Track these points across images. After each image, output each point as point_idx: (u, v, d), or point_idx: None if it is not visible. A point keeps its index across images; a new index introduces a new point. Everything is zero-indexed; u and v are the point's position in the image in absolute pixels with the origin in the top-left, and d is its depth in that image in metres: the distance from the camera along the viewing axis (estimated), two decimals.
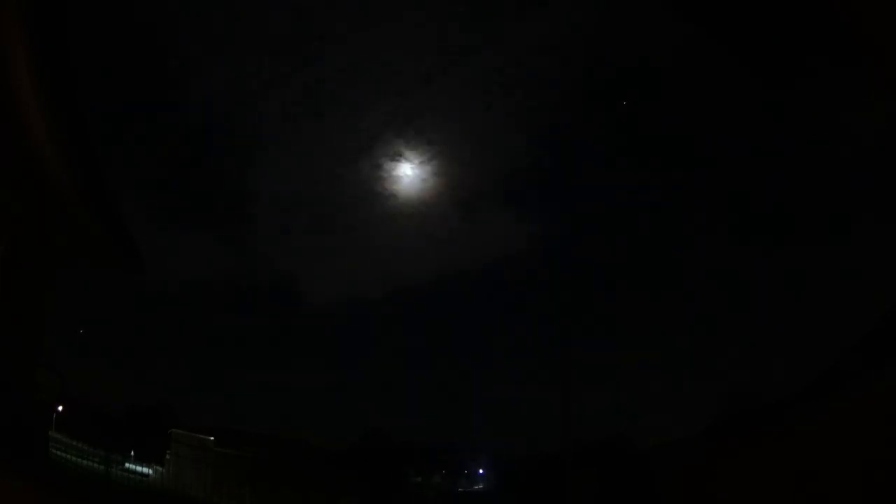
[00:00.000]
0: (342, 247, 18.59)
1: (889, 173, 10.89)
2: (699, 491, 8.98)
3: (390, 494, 14.26)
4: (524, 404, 15.80)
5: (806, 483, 6.79)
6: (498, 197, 18.19)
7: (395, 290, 18.68)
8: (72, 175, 8.43)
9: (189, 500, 12.57)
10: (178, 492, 12.68)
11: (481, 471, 15.05)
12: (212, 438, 13.62)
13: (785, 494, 7.14)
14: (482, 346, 17.74)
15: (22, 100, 7.17)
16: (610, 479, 11.49)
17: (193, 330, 17.51)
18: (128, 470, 12.96)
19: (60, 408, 11.74)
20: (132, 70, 16.11)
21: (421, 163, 16.78)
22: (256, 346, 18.00)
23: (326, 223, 18.69)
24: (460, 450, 15.20)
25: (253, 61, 16.86)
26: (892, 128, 9.08)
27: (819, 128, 13.51)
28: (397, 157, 16.69)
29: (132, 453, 13.18)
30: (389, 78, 16.88)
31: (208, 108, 17.86)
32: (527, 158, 17.80)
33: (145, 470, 13.19)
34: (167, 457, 13.36)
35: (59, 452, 11.20)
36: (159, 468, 13.29)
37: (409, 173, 16.83)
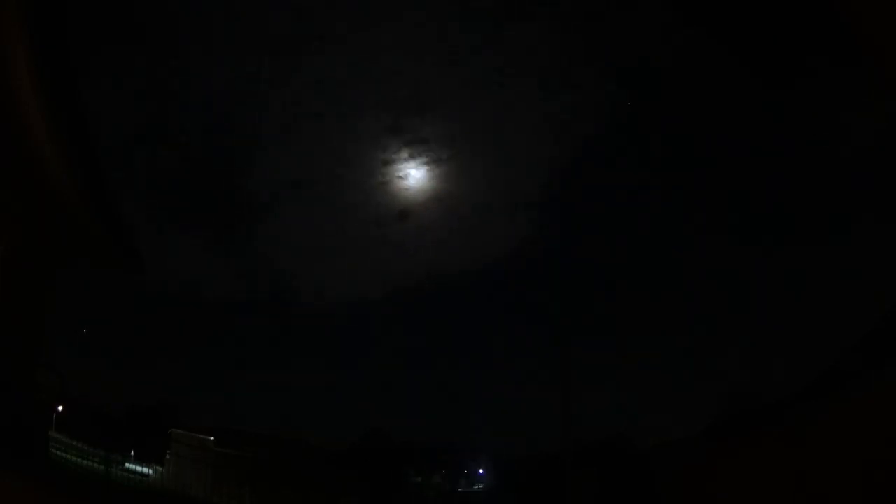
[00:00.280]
0: (342, 247, 18.60)
1: (889, 173, 10.89)
2: (699, 491, 8.98)
3: (390, 494, 14.26)
4: (524, 404, 15.81)
5: (806, 483, 6.79)
6: (498, 198, 18.22)
7: (395, 290, 18.71)
8: (72, 175, 8.42)
9: (189, 500, 12.57)
10: (178, 492, 12.68)
11: (481, 471, 15.05)
12: (212, 438, 13.62)
13: (785, 494, 7.14)
14: (482, 346, 17.76)
15: (22, 100, 7.17)
16: (610, 479, 11.49)
17: (193, 330, 17.54)
18: (128, 470, 12.95)
19: (60, 408, 11.73)
20: (132, 71, 16.13)
21: (422, 164, 16.80)
22: (257, 347, 18.02)
23: (326, 223, 18.71)
24: (460, 450, 15.20)
25: (253, 61, 16.87)
26: (892, 128, 9.09)
27: (819, 128, 13.52)
28: (399, 158, 16.72)
29: (132, 453, 13.18)
30: (389, 79, 16.91)
31: (208, 109, 17.89)
32: (527, 160, 17.84)
33: (145, 470, 13.19)
34: (167, 457, 13.36)
35: (59, 452, 11.19)
36: (159, 468, 13.29)
37: (410, 175, 16.85)
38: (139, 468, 13.15)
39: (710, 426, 11.57)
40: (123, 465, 12.92)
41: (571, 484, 11.11)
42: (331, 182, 17.99)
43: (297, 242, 18.83)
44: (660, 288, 16.75)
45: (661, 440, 12.54)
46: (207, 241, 19.26)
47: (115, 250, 10.81)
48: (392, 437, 14.81)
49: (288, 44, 16.57)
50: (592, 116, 17.08)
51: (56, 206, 8.81)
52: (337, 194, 18.08)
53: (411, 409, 16.84)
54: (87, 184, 8.87)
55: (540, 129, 17.26)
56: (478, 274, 18.57)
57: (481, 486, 14.96)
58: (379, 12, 15.74)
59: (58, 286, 10.49)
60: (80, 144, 8.49)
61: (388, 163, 16.66)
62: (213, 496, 12.76)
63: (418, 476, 15.13)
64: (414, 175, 16.82)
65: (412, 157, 16.58)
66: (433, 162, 16.65)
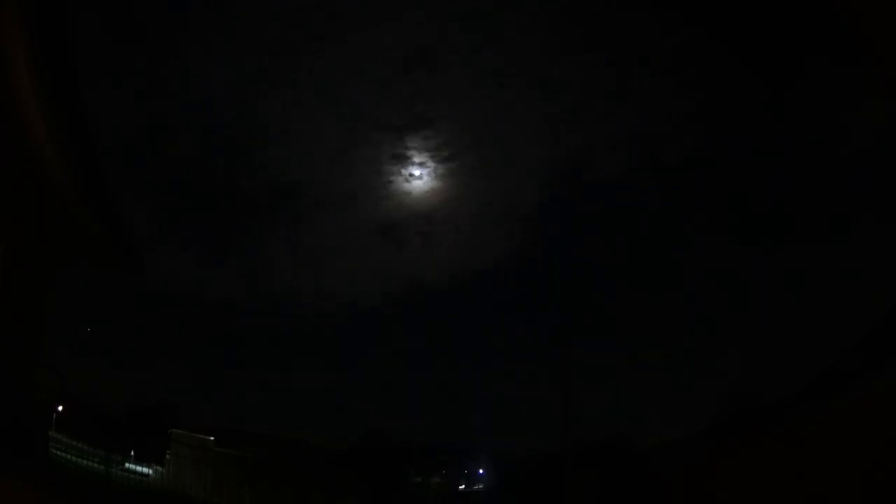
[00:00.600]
0: (342, 248, 18.60)
1: (889, 173, 10.90)
2: (699, 491, 8.98)
3: (390, 494, 14.26)
4: (524, 404, 15.82)
5: (806, 483, 6.79)
6: (499, 198, 18.22)
7: (396, 291, 18.72)
8: (72, 175, 8.41)
9: (189, 500, 12.56)
10: (178, 492, 12.68)
11: (481, 471, 15.05)
12: (212, 438, 13.61)
13: (785, 494, 7.14)
14: (482, 347, 17.77)
15: (22, 100, 7.16)
16: (610, 479, 11.49)
17: (193, 330, 17.54)
18: (128, 470, 12.95)
19: (60, 408, 11.73)
20: (132, 71, 16.12)
21: (423, 165, 16.80)
22: (257, 347, 18.03)
23: (327, 225, 18.71)
24: (460, 450, 15.19)
25: (253, 61, 16.89)
26: (892, 128, 9.09)
27: (819, 128, 13.52)
28: (400, 158, 16.72)
29: (132, 453, 13.18)
30: (390, 79, 16.91)
31: (207, 108, 17.88)
32: (528, 160, 17.84)
33: (145, 470, 13.18)
34: (167, 457, 13.36)
35: (59, 452, 11.19)
36: (159, 468, 13.28)
37: (411, 176, 16.85)
38: (139, 468, 13.14)
39: (710, 426, 11.57)
40: (123, 465, 12.92)
41: (571, 484, 11.10)
42: (332, 183, 18.01)
43: (298, 243, 18.84)
44: (660, 288, 16.75)
45: (661, 440, 12.56)
46: (207, 242, 19.28)
47: (115, 250, 10.79)
48: (392, 437, 14.81)
49: (288, 44, 16.59)
50: (592, 117, 17.08)
51: (56, 206, 8.79)
52: (338, 196, 18.10)
53: (411, 409, 16.87)
54: (87, 184, 8.86)
55: (540, 130, 17.28)
56: (478, 275, 18.59)
57: (481, 486, 14.96)
58: (379, 12, 15.76)
59: (58, 286, 10.48)
60: (80, 144, 8.47)
61: (390, 164, 16.69)
62: (213, 496, 12.76)
63: (418, 476, 15.12)
64: (415, 176, 16.85)
65: (414, 157, 16.60)
66: (435, 162, 16.66)
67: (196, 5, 16.32)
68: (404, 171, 16.80)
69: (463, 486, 15.08)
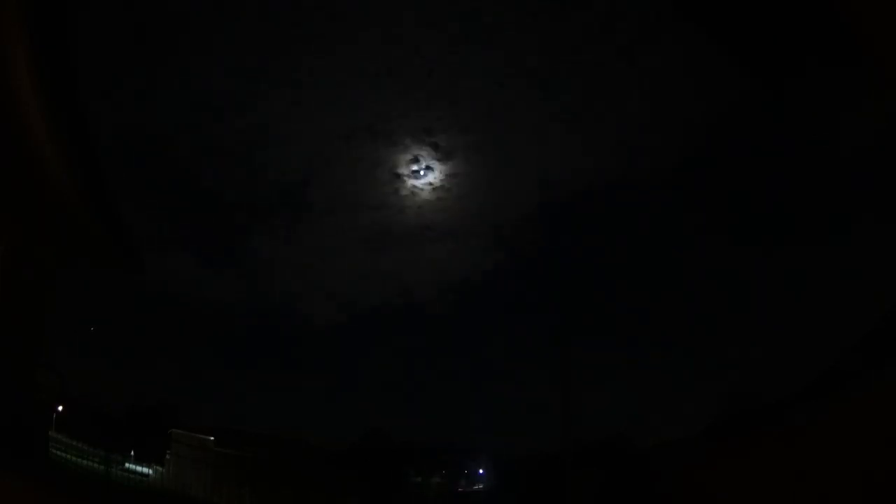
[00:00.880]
0: (343, 249, 18.61)
1: (889, 173, 10.89)
2: (699, 491, 8.97)
3: (390, 494, 14.26)
4: (524, 404, 15.82)
5: (806, 483, 6.79)
6: (499, 198, 18.22)
7: (395, 292, 18.73)
8: (72, 175, 8.41)
9: (189, 500, 12.57)
10: (178, 492, 12.68)
11: (481, 471, 15.05)
12: (212, 438, 13.62)
13: (785, 494, 7.14)
14: (482, 346, 17.76)
15: (22, 100, 7.16)
16: (610, 479, 11.49)
17: (194, 330, 17.53)
18: (128, 470, 12.95)
19: (60, 408, 11.73)
20: (131, 72, 16.12)
21: (424, 166, 16.81)
22: (257, 347, 18.04)
23: (328, 225, 18.71)
24: (460, 450, 15.20)
25: (253, 61, 16.88)
26: (892, 128, 9.09)
27: (819, 128, 13.52)
28: (402, 158, 16.73)
29: (132, 453, 13.17)
30: (391, 79, 16.91)
31: (207, 110, 17.88)
32: (528, 161, 17.83)
33: (145, 470, 13.18)
34: (167, 457, 13.36)
35: (59, 452, 11.19)
36: (159, 468, 13.28)
37: (412, 176, 16.87)
38: (139, 468, 13.14)
39: (710, 426, 11.58)
40: (123, 465, 12.92)
41: (571, 484, 11.10)
42: (333, 184, 18.01)
43: (299, 243, 18.84)
44: (660, 288, 16.76)
45: (661, 440, 12.56)
46: (207, 242, 19.28)
47: (115, 250, 10.80)
48: (392, 437, 14.81)
49: (288, 43, 16.58)
50: (592, 117, 17.08)
51: (56, 206, 8.80)
52: (339, 197, 18.10)
53: (411, 409, 16.87)
54: (87, 184, 8.86)
55: (540, 130, 17.27)
56: (478, 275, 18.59)
57: (481, 486, 14.95)
58: (379, 13, 15.75)
59: (58, 286, 10.48)
60: (80, 144, 8.48)
61: (390, 165, 16.70)
62: (213, 496, 12.76)
63: (418, 476, 15.12)
64: (415, 176, 16.87)
65: (414, 157, 16.62)
66: (434, 162, 16.68)
67: (196, 5, 16.30)
68: (405, 172, 16.83)
69: (462, 487, 15.08)
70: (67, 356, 12.95)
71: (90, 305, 14.31)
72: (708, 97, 15.50)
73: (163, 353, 16.39)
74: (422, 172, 16.72)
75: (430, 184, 16.83)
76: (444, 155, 16.56)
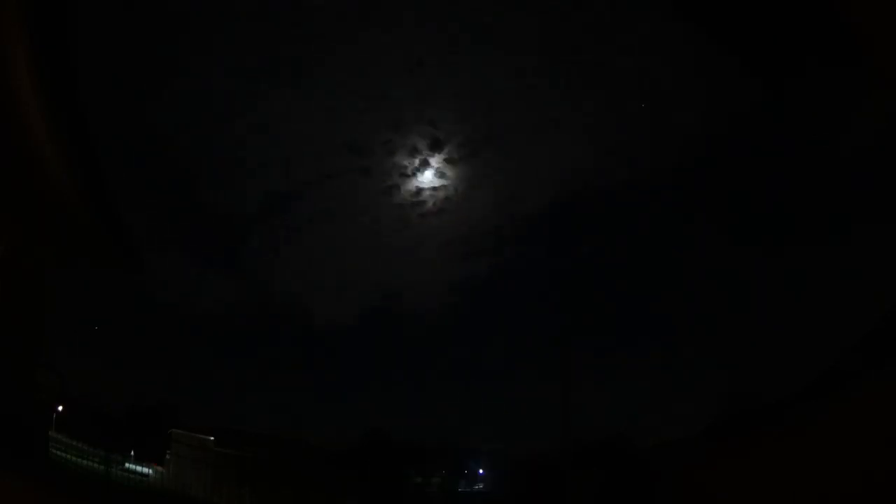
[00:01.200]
0: (343, 250, 18.61)
1: (889, 173, 10.89)
2: (699, 491, 8.97)
3: (390, 494, 14.25)
4: (524, 404, 15.82)
5: (806, 483, 6.79)
6: (500, 198, 18.22)
7: (396, 292, 18.72)
8: (72, 175, 8.42)
9: (189, 500, 12.56)
10: (178, 492, 12.67)
11: (481, 471, 15.05)
12: (212, 438, 13.61)
13: (785, 494, 7.14)
14: (483, 347, 17.76)
15: (22, 100, 7.17)
16: (610, 479, 11.49)
17: (194, 330, 17.53)
18: (128, 470, 12.94)
19: (60, 408, 11.73)
20: (131, 71, 16.11)
21: (425, 166, 16.82)
22: (257, 347, 18.03)
23: (328, 227, 18.71)
24: (460, 450, 15.19)
25: (253, 60, 16.88)
26: (892, 128, 9.09)
27: (819, 128, 13.52)
28: (403, 158, 16.73)
29: (132, 453, 13.17)
30: (392, 80, 16.91)
31: (207, 110, 17.87)
32: (528, 161, 17.84)
33: (145, 470, 13.18)
34: (167, 457, 13.35)
35: (59, 452, 11.19)
36: (159, 468, 13.28)
37: (414, 176, 16.88)
38: (139, 468, 13.13)
39: (710, 426, 11.57)
40: (123, 465, 12.91)
41: (571, 484, 11.10)
42: (333, 186, 18.01)
43: (299, 245, 18.84)
44: (660, 288, 16.76)
45: (661, 440, 12.55)
46: (207, 242, 19.27)
47: (115, 250, 10.80)
48: (392, 437, 14.80)
49: (290, 43, 16.58)
50: (595, 118, 17.08)
51: (56, 206, 8.80)
52: (340, 198, 18.10)
53: (411, 409, 16.87)
54: (87, 184, 8.87)
55: (542, 133, 17.28)
56: (478, 275, 18.60)
57: (481, 486, 14.95)
58: (379, 13, 15.76)
59: (58, 286, 10.49)
60: (80, 144, 8.48)
61: (391, 166, 16.71)
62: (213, 496, 12.75)
63: (418, 476, 15.12)
64: (417, 176, 16.88)
65: (416, 158, 16.64)
66: (438, 163, 16.70)
67: (197, 5, 16.29)
68: (405, 173, 16.83)
69: (462, 487, 15.08)
70: (67, 356, 12.95)
71: (90, 305, 14.31)
72: (708, 97, 15.51)
73: (163, 352, 16.39)
74: (423, 172, 16.75)
75: (432, 184, 16.86)
76: (446, 155, 16.59)
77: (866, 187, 12.82)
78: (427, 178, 16.83)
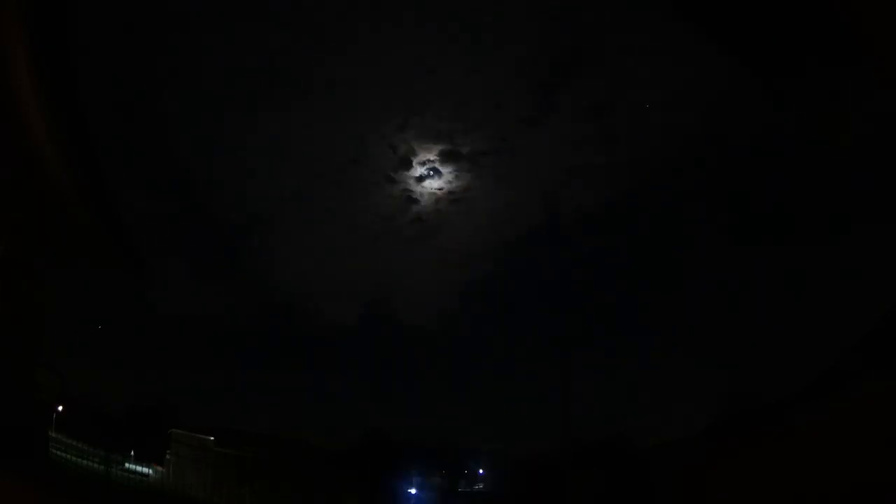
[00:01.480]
0: (343, 251, 18.62)
1: (889, 173, 10.89)
2: (699, 491, 8.98)
3: (390, 494, 14.25)
4: (524, 404, 15.82)
5: (806, 483, 6.79)
6: (499, 198, 18.22)
7: (395, 291, 18.73)
8: (72, 175, 8.43)
9: (189, 500, 12.57)
10: (178, 492, 12.68)
11: (481, 471, 15.05)
12: (212, 438, 13.61)
13: (785, 494, 7.14)
14: (483, 347, 17.77)
15: (22, 100, 7.17)
16: (610, 479, 11.49)
17: (194, 330, 17.53)
18: (128, 470, 12.94)
19: (60, 408, 11.73)
20: (131, 71, 16.11)
21: (425, 166, 16.84)
22: (257, 347, 18.03)
23: (329, 227, 18.72)
24: (460, 450, 15.19)
25: (254, 60, 16.88)
26: (892, 128, 9.08)
27: (819, 128, 13.50)
28: (405, 157, 16.75)
29: (132, 453, 13.17)
30: (392, 81, 16.92)
31: (207, 110, 17.86)
32: (528, 161, 17.83)
33: (145, 470, 13.18)
34: (167, 457, 13.35)
35: (59, 452, 11.19)
36: (159, 468, 13.28)
37: (414, 177, 16.90)
38: (139, 468, 13.14)
39: (710, 426, 11.56)
40: (123, 465, 12.91)
41: (571, 484, 11.11)
42: (334, 187, 18.02)
43: (299, 245, 18.84)
44: (660, 288, 16.76)
45: (661, 440, 12.54)
46: (207, 242, 19.28)
47: (115, 250, 10.81)
48: (392, 437, 14.80)
49: (291, 43, 16.58)
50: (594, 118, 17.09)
51: (56, 206, 8.80)
52: (341, 199, 18.11)
53: (411, 409, 16.87)
54: (87, 184, 8.87)
55: (543, 136, 17.29)
56: (478, 276, 18.61)
57: (481, 486, 14.95)
58: (378, 13, 15.76)
59: (58, 286, 10.48)
60: (80, 144, 8.49)
61: (392, 167, 16.73)
62: (213, 496, 12.75)
63: (418, 476, 15.11)
64: (417, 177, 16.90)
65: (419, 157, 16.66)
66: (438, 163, 16.71)
67: (197, 5, 16.28)
68: (407, 174, 16.87)
69: (462, 487, 15.08)
70: (67, 356, 12.95)
71: (90, 305, 14.30)
72: (708, 97, 15.51)
73: (163, 352, 16.39)
74: (428, 180, 16.81)
75: (436, 190, 16.92)
76: (452, 161, 16.64)
77: (866, 187, 12.83)
78: (432, 184, 16.90)
